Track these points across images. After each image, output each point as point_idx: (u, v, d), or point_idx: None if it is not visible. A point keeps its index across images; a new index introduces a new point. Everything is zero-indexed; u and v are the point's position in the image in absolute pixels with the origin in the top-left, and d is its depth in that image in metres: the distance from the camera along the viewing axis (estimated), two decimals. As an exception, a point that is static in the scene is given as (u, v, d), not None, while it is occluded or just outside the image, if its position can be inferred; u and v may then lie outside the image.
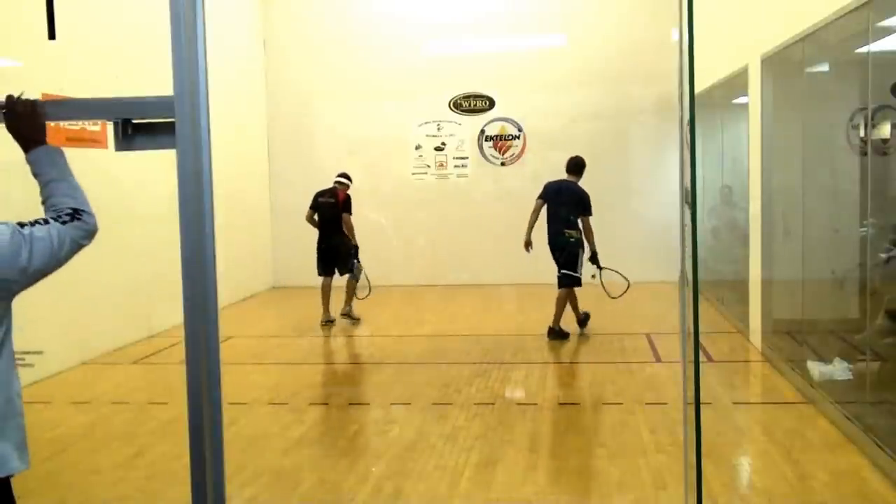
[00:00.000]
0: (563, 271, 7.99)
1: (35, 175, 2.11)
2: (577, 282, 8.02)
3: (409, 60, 11.14)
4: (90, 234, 2.07)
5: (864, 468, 4.34)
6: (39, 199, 2.14)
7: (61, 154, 2.14)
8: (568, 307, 8.08)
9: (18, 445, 1.98)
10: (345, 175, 9.09)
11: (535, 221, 8.25)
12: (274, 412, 5.85)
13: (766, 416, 5.60)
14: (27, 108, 2.08)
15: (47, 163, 2.10)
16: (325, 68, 11.37)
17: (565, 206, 8.05)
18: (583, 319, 8.26)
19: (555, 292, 8.06)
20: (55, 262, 2.00)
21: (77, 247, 2.04)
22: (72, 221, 2.03)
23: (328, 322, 8.78)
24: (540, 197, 8.27)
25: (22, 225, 1.96)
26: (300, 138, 11.56)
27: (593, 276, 8.05)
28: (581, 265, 8.01)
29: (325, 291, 8.83)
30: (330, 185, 9.03)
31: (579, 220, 7.99)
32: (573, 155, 8.39)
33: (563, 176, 8.36)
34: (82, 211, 2.06)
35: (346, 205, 8.91)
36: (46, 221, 2.00)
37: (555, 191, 8.21)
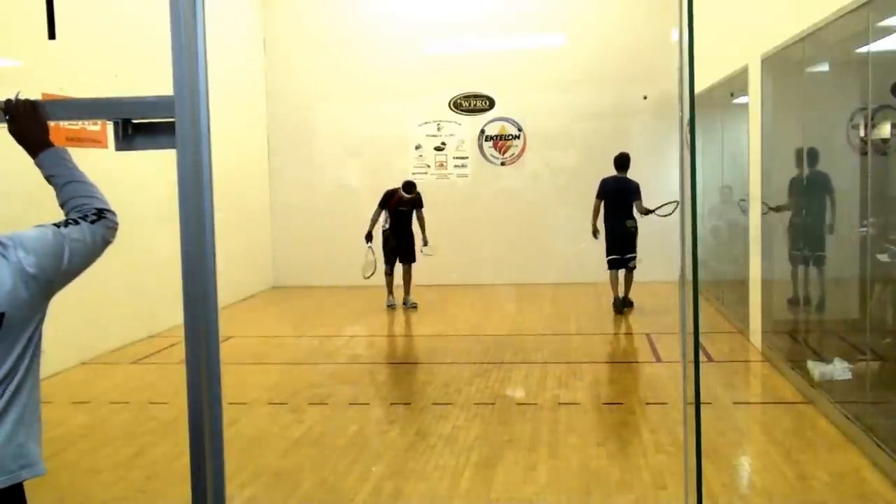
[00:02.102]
0: (627, 255, 9.06)
1: (48, 178, 2.10)
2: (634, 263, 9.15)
3: (410, 60, 11.14)
4: (115, 230, 2.09)
5: (864, 468, 4.33)
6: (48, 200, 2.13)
7: (67, 153, 2.12)
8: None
9: (40, 449, 1.99)
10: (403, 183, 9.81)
11: (597, 218, 9.23)
12: (274, 412, 5.85)
13: (766, 416, 5.61)
14: (28, 109, 2.06)
15: (57, 165, 2.09)
16: (325, 68, 11.36)
17: (625, 200, 9.06)
18: (625, 302, 9.13)
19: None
20: (88, 261, 2.03)
21: (105, 245, 2.06)
22: (99, 221, 2.04)
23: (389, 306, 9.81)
24: (599, 196, 9.18)
25: (57, 226, 1.98)
26: (300, 138, 11.56)
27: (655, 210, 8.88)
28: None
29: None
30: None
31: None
32: (620, 152, 9.26)
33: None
34: (106, 210, 2.07)
35: None
36: (77, 222, 2.01)
37: (614, 189, 9.14)
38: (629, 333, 8.24)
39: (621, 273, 9.13)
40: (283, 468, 4.65)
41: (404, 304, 9.73)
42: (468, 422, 5.39)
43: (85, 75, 6.74)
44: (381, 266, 9.62)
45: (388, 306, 9.72)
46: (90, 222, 2.02)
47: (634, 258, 9.12)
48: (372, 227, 9.59)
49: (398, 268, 9.79)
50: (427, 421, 5.45)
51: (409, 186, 9.69)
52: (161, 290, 5.28)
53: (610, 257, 9.13)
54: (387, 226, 9.69)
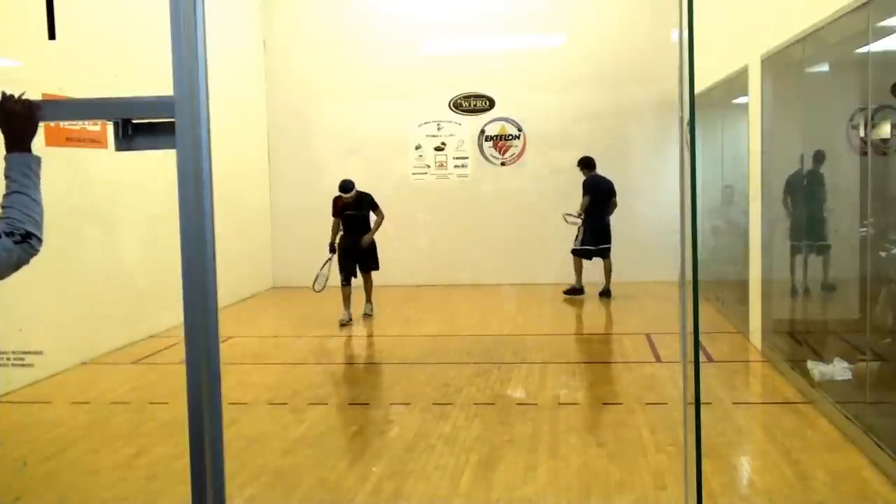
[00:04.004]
0: (602, 245, 10.01)
1: (5, 176, 2.09)
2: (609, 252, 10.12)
3: (409, 60, 11.14)
4: (31, 257, 2.07)
5: (864, 468, 4.34)
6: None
7: (38, 165, 2.12)
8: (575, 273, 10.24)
9: None
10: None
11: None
12: (274, 412, 5.85)
13: (766, 416, 5.61)
14: (24, 109, 2.06)
15: (21, 172, 2.08)
16: (324, 68, 11.37)
17: (608, 196, 10.08)
18: (607, 292, 9.99)
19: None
20: None
21: (18, 266, 2.04)
22: (22, 243, 2.02)
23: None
24: (588, 193, 10.04)
25: None
26: (300, 138, 11.56)
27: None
28: None
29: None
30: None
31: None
32: (585, 156, 10.18)
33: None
34: (34, 235, 2.05)
35: None
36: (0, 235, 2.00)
37: (601, 187, 10.06)
38: (629, 333, 8.23)
39: (586, 262, 10.08)
40: (283, 468, 4.65)
41: (364, 312, 9.15)
42: (468, 422, 5.39)
43: (85, 75, 6.74)
44: (338, 278, 8.99)
45: (340, 323, 8.83)
46: (14, 241, 2.00)
47: (609, 248, 10.05)
48: (333, 238, 9.05)
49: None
50: (427, 421, 5.45)
51: (345, 186, 8.87)
52: (161, 290, 5.29)
53: (585, 247, 10.01)
54: (341, 234, 9.08)
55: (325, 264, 9.06)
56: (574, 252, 10.10)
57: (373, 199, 9.07)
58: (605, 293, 9.95)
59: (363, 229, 9.06)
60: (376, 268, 9.18)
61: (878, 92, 4.99)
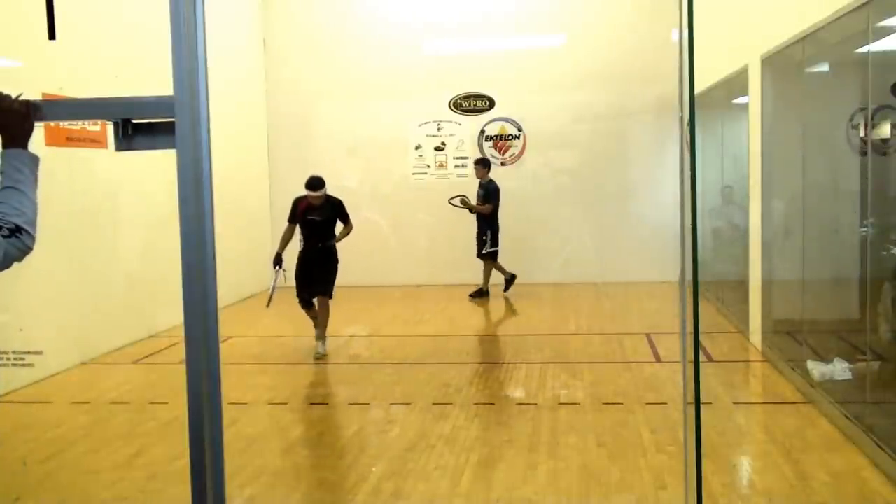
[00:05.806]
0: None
1: (0, 172, 2.09)
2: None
3: (409, 60, 11.13)
4: (24, 253, 2.03)
5: (864, 468, 4.34)
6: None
7: (33, 163, 2.10)
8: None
9: None
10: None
11: None
12: (274, 412, 5.85)
13: (766, 416, 5.61)
14: (23, 108, 2.06)
15: (15, 167, 2.07)
16: (324, 68, 11.36)
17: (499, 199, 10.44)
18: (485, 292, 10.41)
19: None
20: None
21: (8, 263, 2.00)
22: (10, 237, 1.98)
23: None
24: (495, 199, 10.29)
25: None
26: (300, 138, 11.55)
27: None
28: None
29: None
30: (326, 184, 7.76)
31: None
32: (483, 157, 10.84)
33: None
34: (24, 230, 2.02)
35: None
36: None
37: (498, 190, 10.30)
38: (629, 333, 8.23)
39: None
40: (283, 468, 4.65)
41: (317, 349, 7.47)
42: (468, 422, 5.39)
43: (85, 75, 6.74)
44: (293, 296, 7.74)
45: (315, 357, 7.42)
46: (2, 235, 1.97)
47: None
48: (281, 248, 7.55)
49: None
50: (427, 421, 5.45)
51: (313, 183, 7.32)
52: (161, 290, 5.29)
53: (493, 250, 10.25)
54: (301, 245, 7.65)
55: (274, 282, 7.51)
56: (484, 256, 10.28)
57: (343, 206, 7.55)
58: (485, 293, 10.24)
59: (325, 242, 7.58)
60: (329, 294, 7.62)
61: (878, 92, 4.99)
